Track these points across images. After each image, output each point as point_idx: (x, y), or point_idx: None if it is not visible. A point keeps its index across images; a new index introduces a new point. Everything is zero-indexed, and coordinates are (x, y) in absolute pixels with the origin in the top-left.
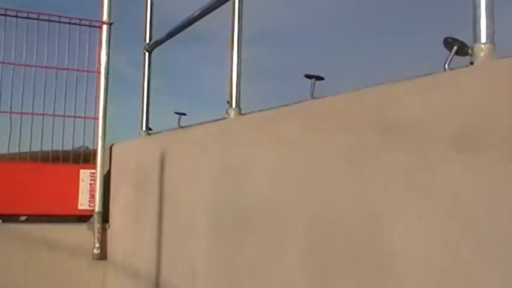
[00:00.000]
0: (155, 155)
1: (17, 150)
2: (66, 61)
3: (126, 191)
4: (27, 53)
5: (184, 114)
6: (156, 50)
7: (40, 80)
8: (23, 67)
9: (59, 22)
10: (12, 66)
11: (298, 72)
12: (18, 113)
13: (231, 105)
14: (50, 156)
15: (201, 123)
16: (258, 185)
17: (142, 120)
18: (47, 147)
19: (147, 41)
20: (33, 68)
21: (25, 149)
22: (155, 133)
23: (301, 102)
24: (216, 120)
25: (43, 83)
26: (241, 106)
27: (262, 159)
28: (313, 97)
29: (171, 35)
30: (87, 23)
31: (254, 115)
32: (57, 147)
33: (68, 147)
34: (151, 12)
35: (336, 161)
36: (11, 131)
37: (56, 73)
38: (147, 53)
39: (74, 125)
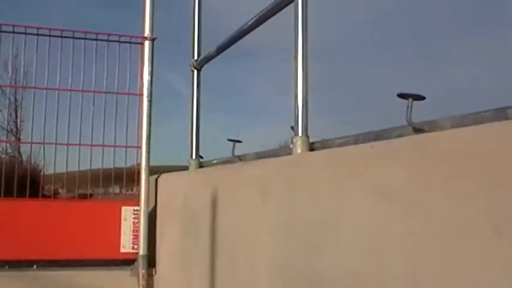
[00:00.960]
0: (205, 193)
1: None
2: (105, 82)
3: (173, 232)
4: (61, 76)
5: (239, 141)
6: (205, 66)
7: (75, 105)
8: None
9: (96, 40)
10: (52, 91)
11: (379, 90)
12: (64, 144)
13: (296, 133)
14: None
15: (260, 156)
16: (345, 251)
17: (192, 147)
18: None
19: (195, 57)
20: (69, 91)
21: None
22: (207, 162)
23: (398, 133)
24: (279, 152)
25: (79, 108)
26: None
27: (349, 215)
28: (410, 123)
29: (220, 49)
30: (128, 39)
31: (332, 151)
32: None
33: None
34: (199, 26)
35: (479, 230)
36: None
37: (94, 97)
38: (195, 71)
39: (114, 154)
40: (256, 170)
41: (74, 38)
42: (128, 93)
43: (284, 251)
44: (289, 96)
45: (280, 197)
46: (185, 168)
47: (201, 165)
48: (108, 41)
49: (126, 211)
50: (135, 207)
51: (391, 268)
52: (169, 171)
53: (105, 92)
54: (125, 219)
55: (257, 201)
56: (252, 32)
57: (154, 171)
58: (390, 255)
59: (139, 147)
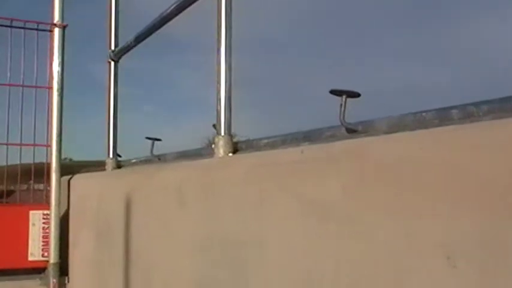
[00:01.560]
0: (119, 199)
1: None
2: (9, 74)
3: (87, 239)
4: None
5: (158, 140)
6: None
7: None
8: None
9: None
10: None
11: (304, 86)
12: None
13: (219, 132)
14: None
15: (180, 156)
16: (272, 275)
17: (109, 145)
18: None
19: (112, 48)
20: None
21: None
22: (125, 161)
23: (330, 133)
24: (201, 152)
25: None
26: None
27: (277, 233)
28: (344, 123)
29: (139, 39)
30: (34, 26)
31: (258, 156)
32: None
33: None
34: (116, 14)
35: (427, 256)
36: None
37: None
38: (112, 63)
39: (21, 153)
40: (172, 174)
41: None
42: (36, 86)
43: (202, 271)
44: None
45: (198, 208)
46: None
47: (118, 165)
48: (10, 27)
49: (35, 215)
50: (45, 211)
51: None
52: (93, 167)
53: (9, 85)
54: (34, 224)
55: (173, 211)
56: (177, 23)
57: (80, 166)
58: (323, 283)
59: (48, 145)
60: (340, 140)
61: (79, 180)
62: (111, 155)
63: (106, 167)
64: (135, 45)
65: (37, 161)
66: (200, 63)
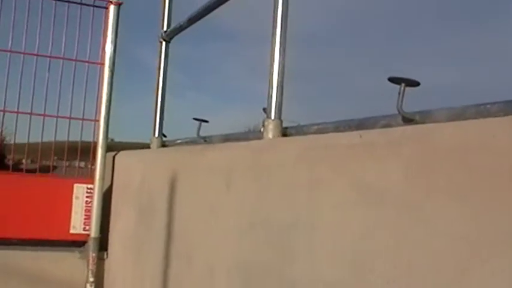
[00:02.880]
0: (164, 177)
1: None
2: (63, 48)
3: (128, 215)
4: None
5: (205, 121)
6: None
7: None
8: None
9: (55, 0)
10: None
11: (361, 80)
12: (13, 112)
13: (269, 115)
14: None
15: (227, 139)
16: (320, 258)
17: (155, 124)
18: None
19: (165, 28)
20: (22, 55)
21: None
22: (170, 141)
23: (386, 122)
24: (248, 136)
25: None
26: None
27: (329, 217)
28: (401, 112)
29: (193, 20)
30: (91, 2)
31: (311, 139)
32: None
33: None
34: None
35: (495, 244)
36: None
37: (49, 63)
38: (164, 43)
39: (69, 127)
40: (220, 155)
41: None
42: (88, 62)
43: (248, 253)
44: (264, 81)
45: (246, 190)
46: (147, 146)
47: (163, 144)
48: (69, 2)
49: (79, 189)
50: (89, 185)
51: (376, 285)
52: (133, 149)
53: (63, 58)
54: (77, 198)
55: (220, 192)
56: (229, 14)
57: (119, 147)
58: (377, 270)
59: (97, 120)
60: (403, 126)
61: (124, 157)
62: (156, 134)
63: (151, 145)
64: (187, 27)
65: (84, 139)
66: (245, 53)
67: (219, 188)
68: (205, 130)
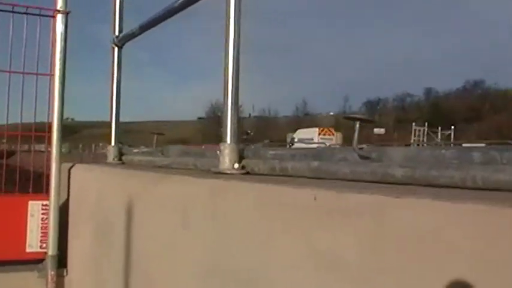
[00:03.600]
0: (120, 200)
1: None
2: (9, 60)
3: (86, 234)
4: None
5: (161, 134)
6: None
7: None
8: None
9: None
10: None
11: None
12: None
13: (224, 139)
14: None
15: (184, 152)
16: None
17: (111, 133)
18: None
19: (116, 33)
20: None
21: None
22: (127, 149)
23: (342, 156)
24: (202, 155)
25: None
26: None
27: (285, 276)
28: (356, 151)
29: (144, 28)
30: (37, 11)
31: (268, 189)
32: None
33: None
34: (121, 1)
35: None
36: None
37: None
38: (116, 48)
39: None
40: (176, 189)
41: None
42: (37, 74)
43: None
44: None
45: (202, 231)
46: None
47: (121, 153)
48: (13, 12)
49: (34, 206)
50: (44, 202)
51: None
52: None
53: (9, 72)
54: (32, 215)
55: (176, 228)
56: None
57: (81, 126)
58: None
59: (49, 133)
60: (358, 193)
61: (79, 170)
62: (112, 143)
63: (107, 154)
64: (139, 34)
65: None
66: (207, 29)
67: (175, 223)
68: (163, 110)
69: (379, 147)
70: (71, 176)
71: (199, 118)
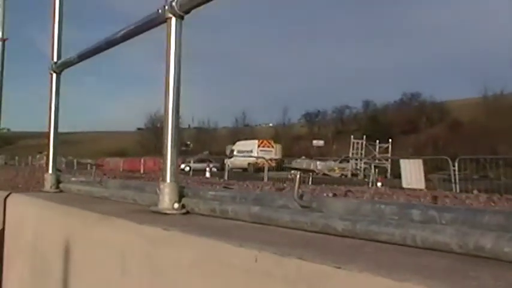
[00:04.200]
0: (59, 237)
1: None
2: None
3: (22, 271)
4: None
5: (100, 165)
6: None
7: None
8: None
9: None
10: None
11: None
12: None
13: (164, 179)
14: None
15: (120, 188)
16: None
17: (49, 160)
18: None
19: (55, 59)
20: None
21: None
22: (65, 178)
23: (284, 201)
24: (141, 189)
25: None
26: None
27: None
28: (297, 201)
29: (82, 57)
30: None
31: (208, 244)
32: None
33: None
34: (59, 26)
35: None
36: None
37: None
38: (54, 74)
39: None
40: (115, 234)
41: None
42: None
43: None
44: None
45: (142, 281)
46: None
47: (58, 180)
48: None
49: None
50: None
51: None
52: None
53: None
54: None
55: (115, 274)
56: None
57: (17, 137)
58: None
59: None
60: (298, 258)
61: (15, 202)
62: (50, 171)
63: (45, 182)
64: (77, 62)
65: None
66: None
67: (114, 268)
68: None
69: (320, 197)
70: (7, 206)
71: (139, 129)
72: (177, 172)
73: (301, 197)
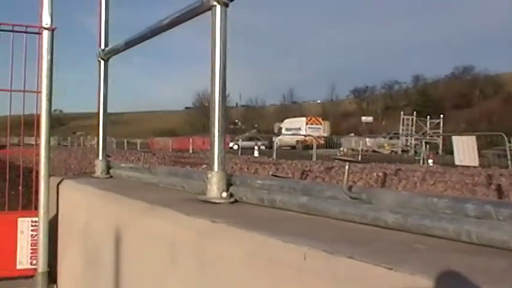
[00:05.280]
0: (108, 226)
1: None
2: None
3: (75, 253)
4: None
5: (149, 152)
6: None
7: None
8: None
9: None
10: None
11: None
12: None
13: (212, 168)
14: None
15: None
16: None
17: (98, 147)
18: None
19: (102, 47)
20: None
21: None
22: (115, 165)
23: (332, 191)
24: (189, 176)
25: None
26: None
27: None
28: (346, 193)
29: (129, 44)
30: (23, 29)
31: (257, 238)
32: None
33: None
34: (106, 14)
35: None
36: None
37: None
38: (102, 62)
39: None
40: (164, 224)
41: None
42: (25, 91)
43: None
44: None
45: (191, 272)
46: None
47: (108, 166)
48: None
49: (23, 223)
50: (34, 218)
51: None
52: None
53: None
54: (22, 232)
55: (164, 263)
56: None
57: (69, 118)
58: None
59: (36, 154)
60: (349, 257)
61: (68, 188)
62: (100, 157)
63: (96, 168)
64: (124, 50)
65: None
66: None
67: (163, 257)
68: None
69: (369, 189)
70: (60, 192)
71: (187, 108)
72: (225, 160)
73: (350, 188)
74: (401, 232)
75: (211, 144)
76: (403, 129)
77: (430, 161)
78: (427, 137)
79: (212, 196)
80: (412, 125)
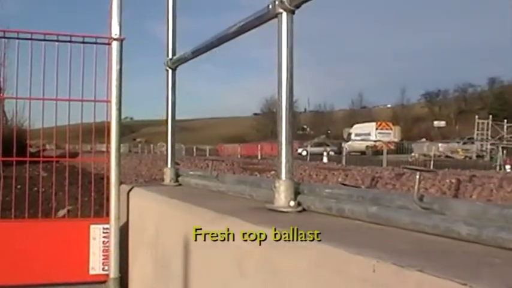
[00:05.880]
0: (178, 234)
1: None
2: (68, 87)
3: (145, 260)
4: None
5: (219, 160)
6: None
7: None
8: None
9: (57, 41)
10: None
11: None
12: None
13: (279, 176)
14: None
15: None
16: None
17: (167, 155)
18: None
19: (170, 56)
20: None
21: None
22: (184, 172)
23: (403, 201)
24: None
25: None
26: None
27: None
28: (417, 203)
29: (197, 53)
30: (93, 40)
31: (325, 250)
32: None
33: None
34: (173, 24)
35: None
36: None
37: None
38: (170, 70)
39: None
40: (232, 233)
41: (31, 39)
42: (95, 100)
43: None
44: None
45: (258, 279)
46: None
47: (177, 174)
48: (71, 42)
49: (95, 230)
50: (105, 225)
51: None
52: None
53: (70, 100)
54: (94, 239)
55: (233, 275)
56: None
57: (140, 125)
58: None
59: (106, 162)
60: (420, 271)
61: (137, 195)
62: (169, 165)
63: (164, 176)
64: (191, 58)
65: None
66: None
67: (231, 269)
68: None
69: (441, 199)
70: (130, 200)
71: (255, 114)
72: (293, 168)
73: (421, 198)
74: (475, 244)
75: (279, 153)
76: (477, 134)
77: (508, 167)
78: (504, 142)
79: (280, 205)
80: (487, 130)
